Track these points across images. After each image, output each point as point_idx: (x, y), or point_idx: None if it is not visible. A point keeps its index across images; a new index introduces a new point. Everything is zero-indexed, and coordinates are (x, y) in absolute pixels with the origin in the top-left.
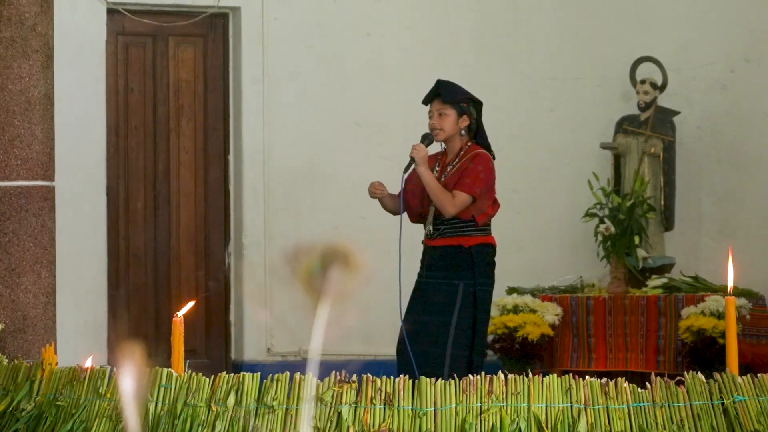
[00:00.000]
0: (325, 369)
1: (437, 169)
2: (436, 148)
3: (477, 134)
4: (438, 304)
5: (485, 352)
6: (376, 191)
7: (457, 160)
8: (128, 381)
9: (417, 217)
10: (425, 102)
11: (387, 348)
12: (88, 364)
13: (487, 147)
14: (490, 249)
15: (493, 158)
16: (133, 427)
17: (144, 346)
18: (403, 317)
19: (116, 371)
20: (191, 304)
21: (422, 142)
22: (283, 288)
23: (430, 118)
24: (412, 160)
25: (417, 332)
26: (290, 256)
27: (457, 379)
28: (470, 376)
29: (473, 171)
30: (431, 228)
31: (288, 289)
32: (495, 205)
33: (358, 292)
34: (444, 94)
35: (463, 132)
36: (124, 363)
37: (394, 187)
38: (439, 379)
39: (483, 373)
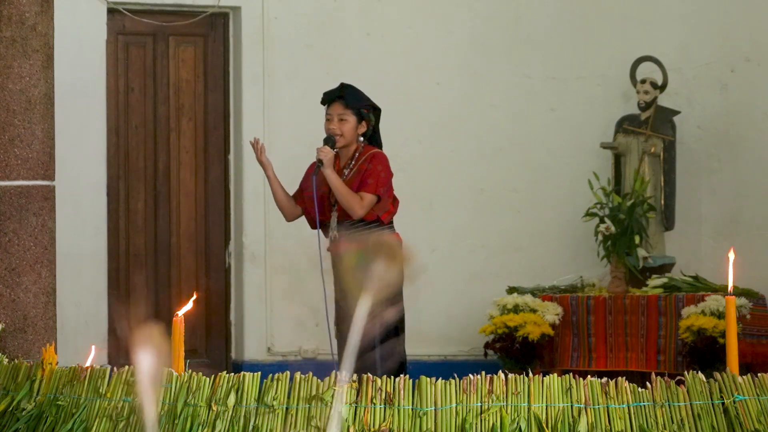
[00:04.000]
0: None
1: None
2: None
3: (371, 139)
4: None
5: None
6: (257, 144)
7: (353, 162)
8: (146, 365)
9: (314, 223)
10: (324, 102)
11: None
12: (90, 357)
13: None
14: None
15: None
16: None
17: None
18: (335, 325)
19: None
20: (193, 298)
21: (326, 144)
22: (283, 288)
23: (328, 120)
24: (320, 162)
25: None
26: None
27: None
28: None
29: (374, 171)
30: (336, 233)
31: (288, 289)
32: (395, 202)
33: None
34: (348, 98)
35: (360, 138)
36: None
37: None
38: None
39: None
